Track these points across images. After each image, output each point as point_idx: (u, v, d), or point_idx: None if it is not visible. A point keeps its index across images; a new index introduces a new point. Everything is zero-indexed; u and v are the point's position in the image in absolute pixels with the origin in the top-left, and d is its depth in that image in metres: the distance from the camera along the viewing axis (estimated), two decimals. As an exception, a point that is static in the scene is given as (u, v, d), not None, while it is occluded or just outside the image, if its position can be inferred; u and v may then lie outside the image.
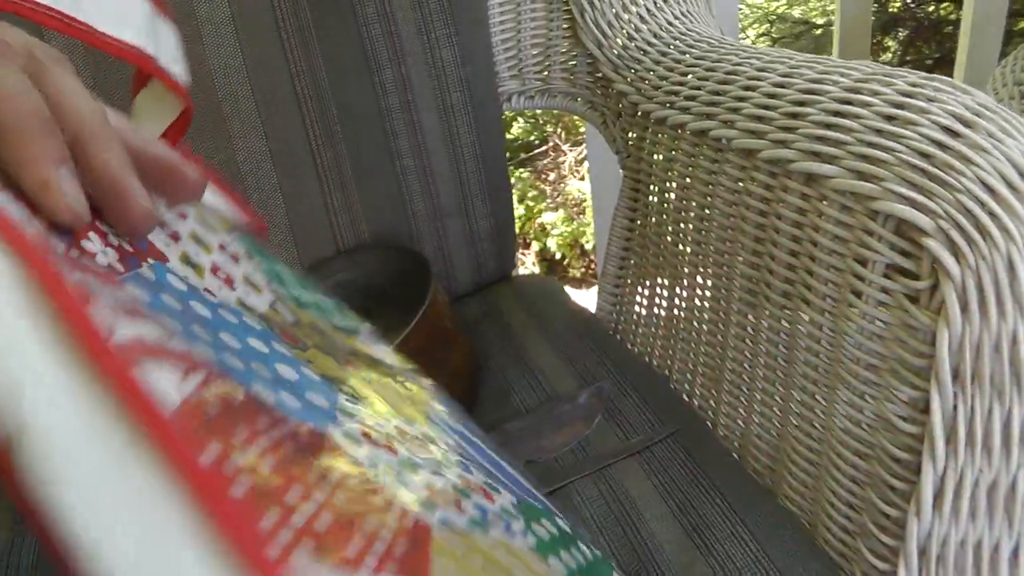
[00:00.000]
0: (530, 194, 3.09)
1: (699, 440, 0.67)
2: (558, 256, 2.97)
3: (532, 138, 3.29)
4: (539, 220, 3.03)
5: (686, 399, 0.75)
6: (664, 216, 0.76)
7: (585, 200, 3.01)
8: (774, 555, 0.55)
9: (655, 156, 0.76)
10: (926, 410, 0.46)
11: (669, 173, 0.74)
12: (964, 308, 0.43)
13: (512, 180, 2.84)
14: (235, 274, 0.38)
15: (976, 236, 0.42)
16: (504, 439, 0.71)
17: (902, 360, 0.47)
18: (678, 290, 0.74)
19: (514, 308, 0.89)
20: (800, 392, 0.58)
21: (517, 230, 2.71)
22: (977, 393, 0.43)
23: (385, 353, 0.42)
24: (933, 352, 0.44)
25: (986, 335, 0.42)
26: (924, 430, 0.46)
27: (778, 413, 0.62)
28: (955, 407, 0.44)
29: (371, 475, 0.29)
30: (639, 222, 0.83)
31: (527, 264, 3.03)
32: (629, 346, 0.85)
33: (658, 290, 0.79)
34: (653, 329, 0.81)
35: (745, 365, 0.66)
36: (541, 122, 3.31)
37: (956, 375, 0.44)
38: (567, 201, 3.13)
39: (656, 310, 0.80)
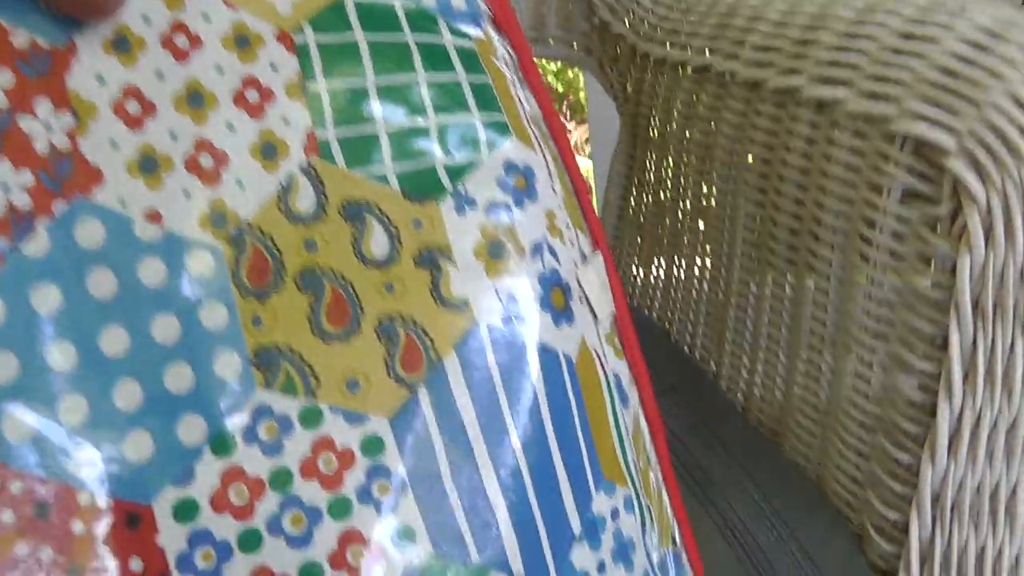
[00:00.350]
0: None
1: (700, 393, 0.64)
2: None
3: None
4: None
5: (687, 352, 0.72)
6: (664, 161, 0.73)
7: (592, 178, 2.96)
8: (779, 507, 0.53)
9: (654, 100, 0.73)
10: (944, 346, 0.43)
11: (669, 116, 0.71)
12: (988, 233, 0.40)
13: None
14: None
15: (1004, 155, 0.39)
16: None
17: (919, 294, 0.44)
18: (678, 239, 0.71)
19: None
20: (809, 336, 0.55)
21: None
22: (999, 325, 0.40)
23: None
24: (953, 282, 0.41)
25: (1011, 262, 0.39)
26: (941, 368, 0.43)
27: (784, 360, 0.60)
28: (975, 342, 0.41)
29: None
30: (637, 169, 0.79)
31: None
32: (628, 299, 0.82)
33: (657, 240, 0.76)
34: (652, 281, 0.78)
35: (749, 311, 0.63)
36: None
37: (977, 306, 0.41)
38: (574, 177, 3.08)
39: (655, 261, 0.77)
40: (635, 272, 0.80)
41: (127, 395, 0.27)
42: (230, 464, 0.28)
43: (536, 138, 0.35)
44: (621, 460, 0.36)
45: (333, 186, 0.30)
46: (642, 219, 0.79)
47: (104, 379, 0.27)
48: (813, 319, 0.54)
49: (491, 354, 0.31)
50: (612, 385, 0.36)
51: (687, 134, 0.68)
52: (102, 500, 0.26)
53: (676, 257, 0.73)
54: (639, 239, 0.80)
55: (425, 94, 0.33)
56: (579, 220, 0.37)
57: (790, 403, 0.59)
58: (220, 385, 0.28)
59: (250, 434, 0.28)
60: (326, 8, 0.31)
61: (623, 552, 0.34)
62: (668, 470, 0.42)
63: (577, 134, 3.16)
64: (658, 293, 0.77)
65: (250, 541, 0.28)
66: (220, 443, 0.28)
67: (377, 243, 0.30)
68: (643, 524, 0.36)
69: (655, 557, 0.37)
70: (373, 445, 0.29)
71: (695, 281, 0.70)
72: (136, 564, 0.27)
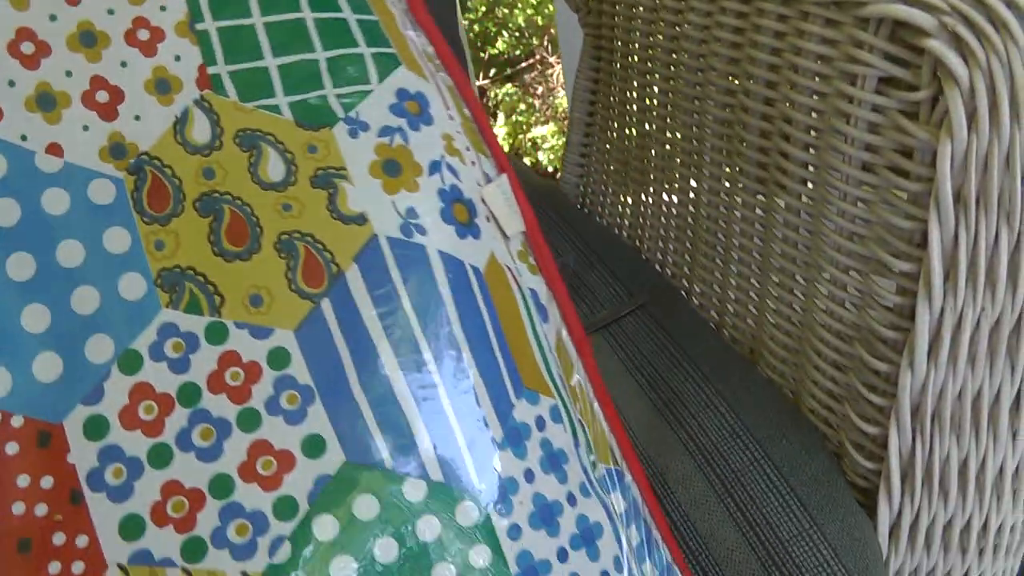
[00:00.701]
0: (519, 109, 2.98)
1: (672, 310, 0.62)
2: (550, 170, 2.89)
3: (517, 52, 3.17)
4: (529, 135, 2.93)
5: (659, 268, 0.69)
6: (629, 72, 0.69)
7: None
8: (752, 425, 0.50)
9: (616, 7, 0.69)
10: (923, 244, 0.40)
11: (632, 23, 0.67)
12: (971, 118, 0.36)
13: (499, 96, 2.74)
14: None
15: (989, 30, 0.35)
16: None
17: (897, 189, 0.41)
18: (646, 151, 0.68)
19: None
20: (782, 245, 0.52)
21: (507, 146, 2.63)
22: (983, 218, 0.37)
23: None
24: (933, 174, 0.38)
25: (996, 148, 0.36)
26: (920, 267, 0.40)
27: (756, 273, 0.57)
28: (956, 236, 0.38)
29: None
30: (603, 83, 0.75)
31: (519, 180, 2.93)
32: (597, 218, 0.78)
33: (626, 153, 0.72)
34: (621, 198, 0.74)
35: (719, 235, 0.59)
36: (527, 36, 3.18)
37: (959, 198, 0.37)
38: (557, 114, 3.03)
39: (624, 176, 0.73)
40: (604, 190, 0.77)
41: (35, 318, 0.28)
42: (138, 381, 0.29)
43: (429, 70, 0.37)
44: (544, 372, 0.36)
45: (227, 118, 0.32)
46: (609, 137, 0.75)
47: (11, 304, 0.27)
48: (785, 230, 0.51)
49: (393, 263, 0.31)
50: (528, 299, 0.36)
51: (650, 39, 0.64)
52: (14, 420, 0.27)
53: (644, 175, 0.69)
54: (607, 158, 0.76)
55: (313, 31, 0.34)
56: (480, 146, 0.37)
57: (763, 317, 0.56)
58: (126, 306, 0.29)
59: (157, 352, 0.29)
60: None
61: (554, 462, 0.34)
62: (601, 389, 0.41)
63: (559, 68, 3.09)
64: (627, 211, 0.74)
65: (160, 456, 0.28)
66: (128, 361, 0.29)
67: (273, 168, 0.32)
68: (575, 436, 0.36)
69: (594, 472, 0.37)
70: (279, 357, 0.30)
71: (664, 199, 0.67)
72: (47, 482, 0.27)
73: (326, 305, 0.30)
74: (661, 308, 0.62)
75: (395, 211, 0.32)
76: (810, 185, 0.48)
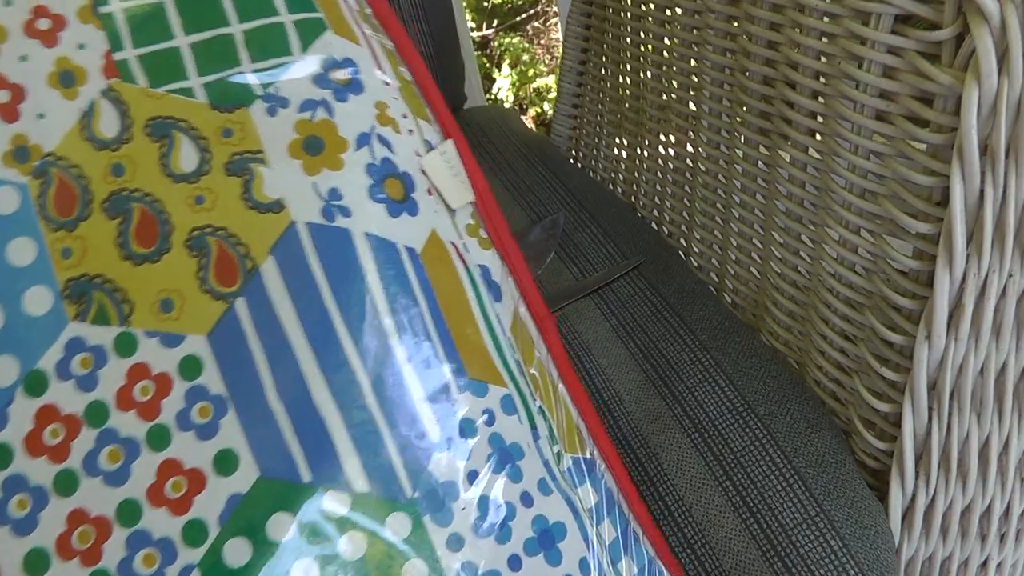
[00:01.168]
0: (523, 59, 2.92)
1: (668, 273, 0.57)
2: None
3: (520, 2, 3.09)
4: (534, 85, 2.88)
5: (655, 227, 0.65)
6: (622, 15, 0.64)
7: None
8: (754, 400, 0.46)
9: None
10: (943, 202, 0.36)
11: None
12: (1002, 58, 0.32)
13: (503, 45, 2.67)
14: None
15: (1021, -46, 0.31)
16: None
17: (915, 138, 0.37)
18: (641, 101, 0.63)
19: (459, 140, 0.77)
20: (786, 203, 0.48)
21: (512, 96, 2.57)
22: (1012, 171, 0.33)
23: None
24: (956, 124, 0.33)
25: (1029, 92, 0.32)
26: (940, 228, 0.36)
27: (759, 233, 0.52)
28: (982, 193, 0.34)
29: None
30: (595, 28, 0.70)
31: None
32: (591, 173, 0.74)
33: (620, 104, 0.67)
34: (616, 151, 0.69)
35: (719, 190, 0.55)
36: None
37: (985, 150, 0.33)
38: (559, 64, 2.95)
39: (618, 128, 0.69)
40: (597, 143, 0.72)
41: None
42: (44, 403, 0.27)
43: (363, 33, 0.34)
44: (496, 357, 0.32)
45: (137, 107, 0.29)
46: (602, 86, 0.70)
47: None
48: (790, 186, 0.47)
49: (312, 252, 0.29)
50: (477, 278, 0.33)
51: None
52: None
53: (639, 127, 0.64)
54: (600, 108, 0.71)
55: (227, 2, 0.31)
56: (423, 111, 0.35)
57: (766, 281, 0.52)
58: (31, 323, 0.27)
59: (64, 370, 0.27)
60: None
61: (505, 459, 0.31)
62: (567, 368, 0.37)
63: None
64: (622, 165, 0.69)
65: (66, 483, 0.26)
66: (33, 383, 0.27)
67: (186, 157, 0.29)
68: (532, 427, 0.33)
69: (558, 465, 0.34)
70: (191, 366, 0.27)
71: (660, 153, 0.62)
72: None
73: (240, 305, 0.28)
74: (657, 270, 0.57)
75: (316, 193, 0.29)
76: (818, 137, 0.44)
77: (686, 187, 0.59)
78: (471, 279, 0.33)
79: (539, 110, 2.86)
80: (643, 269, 0.58)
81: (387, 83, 0.33)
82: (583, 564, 0.32)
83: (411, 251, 0.31)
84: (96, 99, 0.29)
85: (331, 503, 0.27)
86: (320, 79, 0.31)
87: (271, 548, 0.25)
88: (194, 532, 0.26)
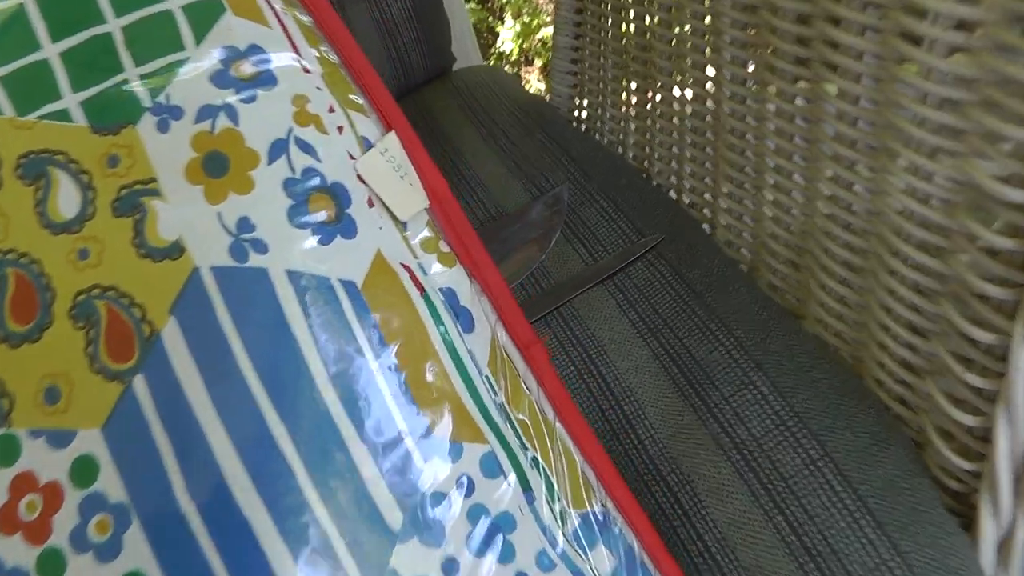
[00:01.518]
0: (525, 10, 2.82)
1: (692, 252, 0.49)
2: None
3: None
4: (538, 36, 2.78)
5: (673, 196, 0.56)
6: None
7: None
8: (805, 412, 0.38)
9: None
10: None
11: None
12: None
13: (505, -4, 2.58)
14: None
15: None
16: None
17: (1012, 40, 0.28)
18: (649, 51, 0.54)
19: (449, 108, 0.69)
20: (835, 146, 0.39)
21: (517, 48, 2.48)
22: None
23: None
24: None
25: None
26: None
27: (800, 189, 0.44)
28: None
29: None
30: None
31: (531, 82, 2.79)
32: (597, 137, 0.65)
33: (624, 56, 0.58)
34: (623, 110, 0.61)
35: (747, 137, 0.46)
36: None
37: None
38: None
39: (623, 84, 0.60)
40: (601, 101, 0.63)
41: None
42: None
43: (272, 11, 0.27)
44: (471, 406, 0.26)
45: (4, 143, 0.24)
46: (602, 37, 0.61)
47: None
48: (839, 129, 0.38)
49: (221, 305, 0.22)
50: (439, 306, 0.27)
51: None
52: None
53: (648, 80, 0.56)
54: (602, 63, 0.62)
55: None
56: (353, 100, 0.28)
57: (811, 256, 0.43)
58: None
59: None
60: None
61: (492, 536, 0.25)
62: (564, 403, 0.30)
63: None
64: (631, 126, 0.60)
65: None
66: None
67: (65, 200, 0.24)
68: (526, 488, 0.27)
69: (563, 527, 0.28)
70: (85, 469, 0.22)
71: (675, 109, 0.54)
72: None
73: (139, 384, 0.22)
74: (679, 250, 0.49)
75: (222, 227, 0.23)
76: (873, 60, 0.35)
77: (708, 148, 0.51)
78: (431, 310, 0.26)
79: (546, 60, 2.76)
80: (663, 249, 0.49)
81: (306, 70, 0.26)
82: None
83: (349, 285, 0.24)
84: None
85: None
86: (220, 77, 0.25)
87: None
88: None
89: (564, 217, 0.54)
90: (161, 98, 0.24)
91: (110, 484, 0.22)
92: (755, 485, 0.37)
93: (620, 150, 0.62)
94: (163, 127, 0.24)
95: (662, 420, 0.41)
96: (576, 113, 0.68)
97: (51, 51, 0.25)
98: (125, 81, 0.24)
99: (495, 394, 0.28)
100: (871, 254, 0.38)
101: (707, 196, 0.52)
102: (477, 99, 0.68)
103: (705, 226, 0.53)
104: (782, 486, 0.36)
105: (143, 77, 0.24)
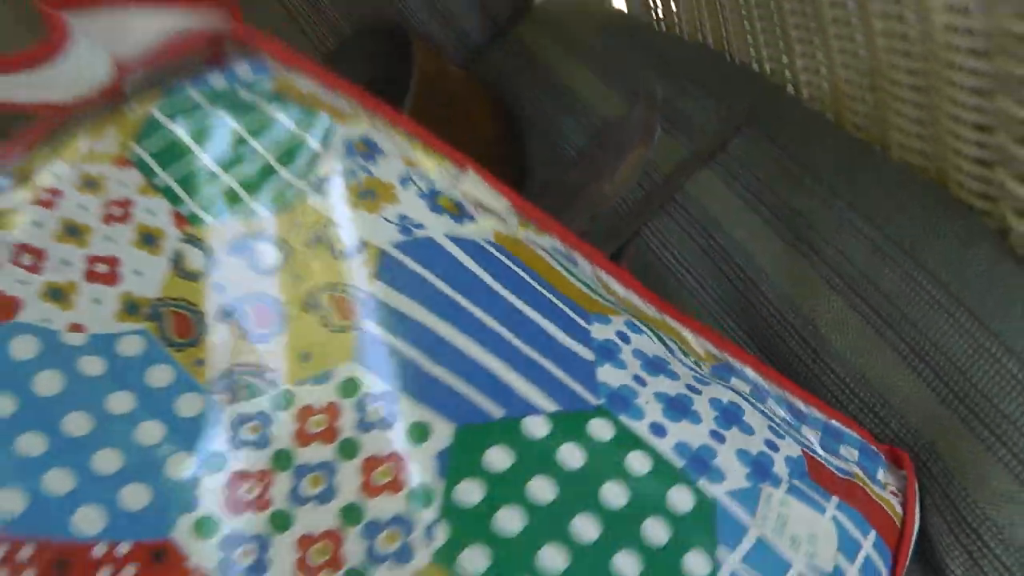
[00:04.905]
0: None
1: (781, 114, 0.54)
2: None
3: None
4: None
5: (756, 69, 0.60)
6: None
7: None
8: (897, 234, 0.43)
9: None
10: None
11: None
12: None
13: None
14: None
15: None
16: (560, 198, 0.60)
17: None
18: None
19: (539, 39, 0.75)
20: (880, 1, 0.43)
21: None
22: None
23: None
24: None
25: None
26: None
27: (861, 40, 0.47)
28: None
29: None
30: None
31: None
32: (677, 32, 0.69)
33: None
34: (695, 2, 0.65)
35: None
36: None
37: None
38: None
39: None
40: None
41: (106, 461, 0.29)
42: (232, 471, 0.29)
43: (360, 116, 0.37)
44: (601, 301, 0.35)
45: (209, 237, 0.33)
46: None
47: (80, 452, 0.28)
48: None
49: (412, 261, 0.32)
50: (550, 251, 0.36)
51: None
52: (122, 547, 0.28)
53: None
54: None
55: (247, 139, 0.34)
56: (430, 159, 0.37)
57: (881, 89, 0.47)
58: (187, 423, 0.30)
59: (237, 441, 0.30)
60: (143, 123, 0.34)
61: (657, 365, 0.33)
62: (661, 302, 0.39)
63: None
64: (704, 14, 0.64)
65: (280, 522, 0.29)
66: (214, 462, 0.29)
67: (265, 256, 0.33)
68: (664, 344, 0.35)
69: (698, 370, 0.35)
70: (349, 387, 0.30)
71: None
72: None
73: (368, 325, 0.31)
74: (769, 117, 0.54)
75: (387, 222, 0.33)
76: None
77: (775, 11, 0.55)
78: (547, 253, 0.36)
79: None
80: (755, 118, 0.54)
81: (395, 143, 0.36)
82: (773, 430, 0.33)
83: (490, 243, 0.34)
84: (178, 247, 0.33)
85: (532, 427, 0.29)
86: (347, 154, 0.34)
87: (500, 478, 0.28)
88: (420, 497, 0.28)
89: (660, 111, 0.59)
90: (312, 178, 0.34)
91: (372, 385, 0.30)
92: (865, 310, 0.42)
93: (700, 38, 0.66)
94: (320, 191, 0.33)
95: (781, 276, 0.47)
96: (653, 15, 0.72)
97: (229, 180, 0.34)
98: (284, 181, 0.34)
99: (613, 299, 0.37)
100: (931, 73, 0.42)
101: (784, 59, 0.56)
102: (565, 28, 0.73)
103: (789, 88, 0.57)
104: (886, 304, 0.41)
105: (293, 171, 0.34)
